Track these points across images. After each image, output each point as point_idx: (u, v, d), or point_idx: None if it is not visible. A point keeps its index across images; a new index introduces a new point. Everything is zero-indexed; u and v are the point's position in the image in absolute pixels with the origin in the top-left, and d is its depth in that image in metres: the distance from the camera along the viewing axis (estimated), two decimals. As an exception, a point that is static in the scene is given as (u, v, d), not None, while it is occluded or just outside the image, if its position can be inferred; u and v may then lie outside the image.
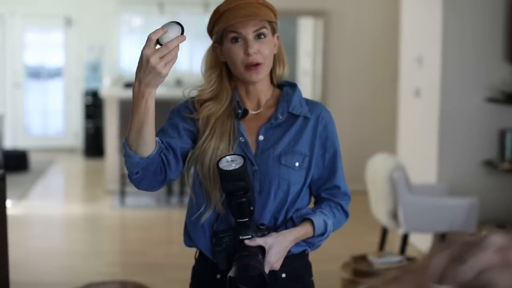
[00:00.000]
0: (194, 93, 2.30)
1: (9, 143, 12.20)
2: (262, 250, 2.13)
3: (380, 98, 9.00)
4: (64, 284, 5.52)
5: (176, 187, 8.33)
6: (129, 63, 12.35)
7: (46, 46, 12.91)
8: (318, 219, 2.21)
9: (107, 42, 12.45)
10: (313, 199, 2.38)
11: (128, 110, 2.23)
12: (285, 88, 2.32)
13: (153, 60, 1.95)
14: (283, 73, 2.33)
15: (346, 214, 2.34)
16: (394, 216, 5.44)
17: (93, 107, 12.01)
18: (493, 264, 0.62)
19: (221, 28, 2.19)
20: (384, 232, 5.76)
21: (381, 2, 8.97)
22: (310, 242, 2.26)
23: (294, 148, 2.24)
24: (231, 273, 2.03)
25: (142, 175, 2.15)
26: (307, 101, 2.33)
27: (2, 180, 2.57)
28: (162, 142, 2.17)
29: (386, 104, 8.86)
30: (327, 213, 2.26)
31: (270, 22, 2.22)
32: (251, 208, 2.11)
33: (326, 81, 9.09)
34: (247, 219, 2.13)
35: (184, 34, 2.00)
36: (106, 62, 12.47)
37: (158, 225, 7.45)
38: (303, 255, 2.30)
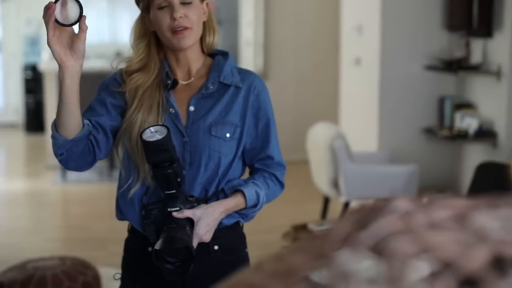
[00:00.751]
0: (123, 64, 2.25)
1: None
2: (190, 222, 2.09)
3: (322, 67, 9.02)
4: (4, 261, 5.42)
5: (118, 161, 8.24)
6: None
7: (-18, 20, 12.61)
8: (250, 191, 2.18)
9: (46, 14, 12.21)
10: (248, 170, 2.35)
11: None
12: (217, 57, 2.28)
13: (48, 35, 1.95)
14: (213, 41, 2.27)
15: (281, 184, 2.30)
16: (335, 184, 5.47)
17: (33, 81, 11.78)
18: (395, 230, 0.61)
19: None
20: (326, 200, 5.79)
21: (322, -29, 8.95)
22: (243, 214, 2.23)
23: (225, 118, 2.20)
24: (156, 246, 1.99)
25: (67, 157, 2.10)
26: (240, 70, 2.28)
27: None
28: (91, 122, 2.13)
29: (328, 74, 8.88)
30: (260, 184, 2.22)
31: None
32: (178, 180, 2.08)
33: (267, 51, 9.06)
34: (174, 191, 2.09)
35: (84, 14, 1.96)
36: (45, 35, 12.21)
37: (101, 200, 7.37)
38: (236, 226, 2.27)
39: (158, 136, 2.01)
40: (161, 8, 2.13)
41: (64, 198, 7.71)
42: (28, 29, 12.22)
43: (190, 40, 2.15)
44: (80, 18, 1.95)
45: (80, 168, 2.17)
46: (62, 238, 6.29)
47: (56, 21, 1.95)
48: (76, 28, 1.98)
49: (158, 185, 2.11)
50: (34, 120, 11.72)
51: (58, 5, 1.96)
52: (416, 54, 6.12)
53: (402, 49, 6.12)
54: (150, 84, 2.19)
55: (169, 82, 2.21)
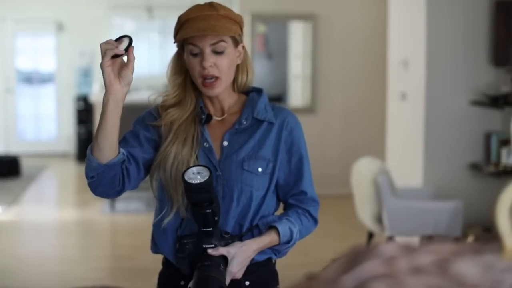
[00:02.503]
0: (159, 99, 2.31)
1: (1, 149, 12.20)
2: (224, 260, 2.12)
3: (369, 101, 9.03)
4: (51, 289, 5.54)
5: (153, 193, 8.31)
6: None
7: (38, 51, 12.93)
8: (283, 227, 2.20)
9: (98, 47, 12.46)
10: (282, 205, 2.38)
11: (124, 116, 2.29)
12: (251, 94, 2.32)
13: (102, 62, 2.05)
14: (246, 81, 2.32)
15: (314, 220, 2.32)
16: (379, 219, 5.47)
17: (85, 112, 12.01)
18: (377, 273, 0.64)
19: (181, 38, 2.20)
20: (370, 235, 5.78)
21: (369, 6, 9.00)
22: (276, 250, 2.25)
23: (257, 153, 2.24)
24: (191, 284, 2.03)
25: (97, 181, 2.15)
26: (273, 106, 2.32)
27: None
28: (125, 153, 2.19)
29: (375, 108, 8.88)
30: (293, 221, 2.24)
31: (231, 36, 2.21)
32: (216, 218, 2.11)
33: (315, 85, 9.11)
34: (211, 229, 2.12)
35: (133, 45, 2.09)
36: (98, 67, 12.44)
37: (148, 230, 7.35)
38: (269, 263, 2.29)
39: (200, 179, 2.04)
40: (193, 53, 2.19)
41: (112, 228, 7.82)
42: (81, 60, 12.49)
43: (218, 89, 2.21)
44: (128, 48, 2.07)
45: (107, 195, 2.23)
46: (109, 267, 6.37)
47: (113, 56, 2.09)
48: (125, 57, 2.09)
49: (195, 222, 2.14)
50: (85, 150, 11.79)
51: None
52: (461, 89, 6.10)
53: (447, 84, 6.11)
54: (186, 119, 2.24)
55: (203, 117, 2.26)
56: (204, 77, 2.17)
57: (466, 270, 0.67)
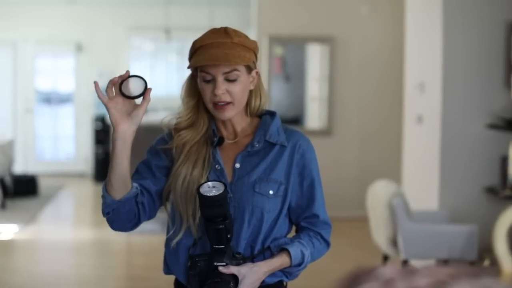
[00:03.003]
0: (173, 121, 2.32)
1: (20, 168, 12.28)
2: (235, 279, 2.13)
3: (386, 124, 9.03)
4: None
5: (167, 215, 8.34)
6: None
7: (57, 72, 13.05)
8: (295, 250, 2.21)
9: (117, 67, 12.56)
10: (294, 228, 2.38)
11: (135, 136, 2.33)
12: (264, 117, 2.33)
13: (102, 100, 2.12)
14: (259, 106, 2.32)
15: (326, 243, 2.32)
16: (394, 242, 5.45)
17: (103, 132, 12.10)
18: (374, 295, 0.66)
19: (194, 65, 2.21)
20: (385, 258, 5.77)
21: (386, 29, 9.03)
22: (287, 272, 2.25)
23: (269, 176, 2.25)
24: None
25: (113, 216, 2.20)
26: (286, 129, 2.33)
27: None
28: (138, 187, 2.22)
29: (391, 130, 8.89)
30: (305, 243, 2.25)
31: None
32: (228, 236, 2.13)
33: (332, 107, 9.13)
34: (223, 246, 2.14)
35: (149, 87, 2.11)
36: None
37: (162, 251, 7.45)
38: (280, 285, 2.29)
39: (215, 192, 2.07)
40: (206, 80, 2.20)
41: (127, 248, 7.84)
42: (100, 81, 12.49)
43: (230, 114, 2.22)
44: (145, 91, 2.09)
45: (124, 229, 2.27)
46: (124, 287, 6.39)
47: (122, 93, 2.10)
48: (139, 99, 2.12)
49: (208, 238, 2.15)
50: (102, 169, 11.98)
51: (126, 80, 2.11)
52: (477, 112, 6.10)
53: (463, 107, 6.11)
54: (197, 140, 2.26)
55: (215, 139, 2.27)
56: (216, 103, 2.19)
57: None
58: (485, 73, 6.09)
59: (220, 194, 2.07)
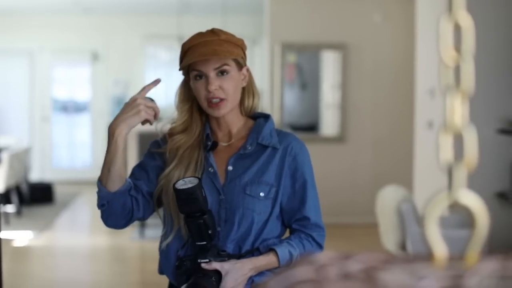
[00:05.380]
0: (167, 126, 2.37)
1: (36, 176, 12.38)
2: (218, 274, 2.15)
3: (399, 130, 9.03)
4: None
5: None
6: (154, 96, 12.49)
7: (73, 81, 13.16)
8: (283, 250, 2.21)
9: (132, 76, 12.67)
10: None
11: (147, 144, 2.43)
12: (259, 119, 2.36)
13: (140, 100, 2.15)
14: (253, 104, 2.36)
15: (319, 245, 2.32)
16: (403, 247, 5.46)
17: (118, 140, 12.14)
18: (304, 278, 0.69)
19: (184, 65, 2.24)
20: (395, 263, 5.77)
21: (398, 36, 9.04)
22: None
23: (260, 178, 2.26)
24: None
25: (107, 209, 2.23)
26: (279, 132, 2.35)
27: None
28: (131, 182, 2.27)
29: (404, 136, 8.88)
30: (294, 245, 2.25)
31: (234, 59, 2.25)
32: (209, 232, 2.16)
33: (345, 114, 9.14)
34: (205, 242, 2.17)
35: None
36: (131, 96, 12.65)
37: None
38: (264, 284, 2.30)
39: (189, 185, 2.12)
40: (198, 78, 2.24)
41: (141, 255, 7.88)
42: (115, 89, 12.69)
43: (225, 110, 2.25)
44: (155, 118, 2.20)
45: (118, 225, 2.30)
46: (137, 293, 6.44)
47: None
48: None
49: (190, 236, 2.19)
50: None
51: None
52: (488, 117, 6.10)
53: (473, 112, 6.03)
54: (190, 144, 2.30)
55: (209, 143, 2.31)
56: (210, 100, 2.22)
57: (393, 277, 0.71)
58: (495, 78, 6.09)
59: (193, 186, 2.11)
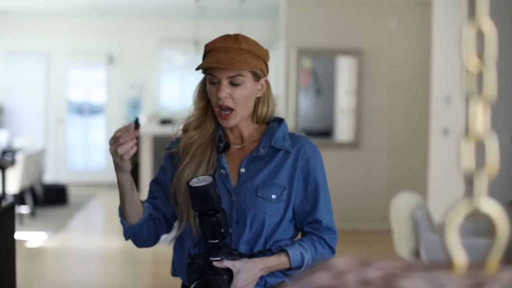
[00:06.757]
0: (182, 126, 2.39)
1: (51, 177, 12.43)
2: (229, 272, 2.16)
3: (413, 136, 9.01)
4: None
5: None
6: (168, 100, 12.56)
7: (89, 83, 13.21)
8: (294, 251, 2.22)
9: (148, 79, 12.70)
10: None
11: (161, 147, 2.49)
12: (272, 123, 2.36)
13: (109, 147, 2.18)
14: (267, 113, 2.35)
15: (331, 248, 2.32)
16: (417, 255, 5.44)
17: (134, 143, 12.17)
18: (324, 285, 0.69)
19: (201, 67, 2.25)
20: (408, 270, 5.75)
21: (414, 42, 9.02)
22: (289, 275, 2.27)
23: (272, 180, 2.27)
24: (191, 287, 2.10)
25: (134, 238, 2.32)
26: (292, 135, 2.35)
27: (10, 210, 2.64)
28: (150, 206, 2.33)
29: (418, 143, 8.86)
30: (306, 247, 2.26)
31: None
32: (222, 230, 2.16)
33: (360, 120, 9.13)
34: (217, 241, 2.18)
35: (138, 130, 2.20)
36: (146, 98, 12.71)
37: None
38: (282, 287, 2.29)
39: (203, 183, 2.13)
40: (211, 83, 2.25)
41: (154, 258, 7.89)
42: (130, 92, 12.73)
43: (233, 121, 2.26)
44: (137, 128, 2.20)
45: (148, 245, 2.38)
46: (149, 296, 6.45)
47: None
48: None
49: (203, 233, 2.20)
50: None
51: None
52: (503, 124, 6.07)
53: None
54: (203, 142, 2.31)
55: (221, 145, 2.32)
56: (220, 107, 2.23)
57: (412, 284, 0.70)
58: (510, 85, 6.06)
59: (207, 184, 2.13)
